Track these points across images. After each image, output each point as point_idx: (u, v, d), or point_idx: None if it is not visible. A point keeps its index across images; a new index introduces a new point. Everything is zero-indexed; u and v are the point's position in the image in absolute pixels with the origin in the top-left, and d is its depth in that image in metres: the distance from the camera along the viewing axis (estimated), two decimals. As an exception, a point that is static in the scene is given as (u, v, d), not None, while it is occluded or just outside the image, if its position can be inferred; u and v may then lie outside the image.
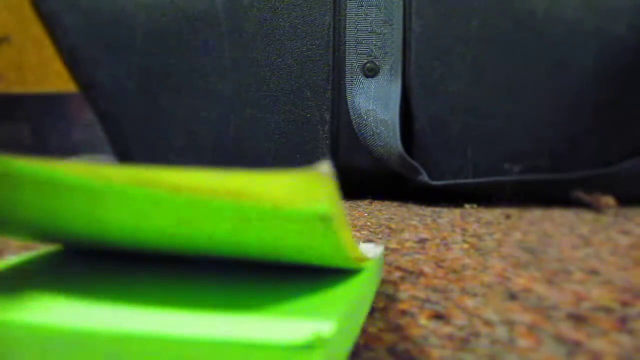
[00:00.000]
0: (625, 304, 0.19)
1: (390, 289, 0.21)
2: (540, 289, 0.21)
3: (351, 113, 0.44)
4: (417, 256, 0.26)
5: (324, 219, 0.10)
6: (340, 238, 0.11)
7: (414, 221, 0.35)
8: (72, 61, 0.48)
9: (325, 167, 0.10)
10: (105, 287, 0.13)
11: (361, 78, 0.44)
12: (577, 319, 0.18)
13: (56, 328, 0.10)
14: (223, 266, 0.15)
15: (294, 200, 0.10)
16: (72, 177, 0.10)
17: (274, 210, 0.10)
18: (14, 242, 0.29)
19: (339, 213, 0.11)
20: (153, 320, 0.11)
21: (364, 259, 0.15)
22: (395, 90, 0.44)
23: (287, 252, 0.13)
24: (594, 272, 0.23)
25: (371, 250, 0.18)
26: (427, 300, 0.19)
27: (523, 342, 0.16)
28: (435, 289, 0.21)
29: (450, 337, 0.16)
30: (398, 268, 0.24)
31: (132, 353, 0.10)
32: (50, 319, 0.11)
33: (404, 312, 0.18)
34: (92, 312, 0.11)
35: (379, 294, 0.20)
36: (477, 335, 0.16)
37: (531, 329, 0.17)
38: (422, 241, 0.29)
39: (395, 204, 0.44)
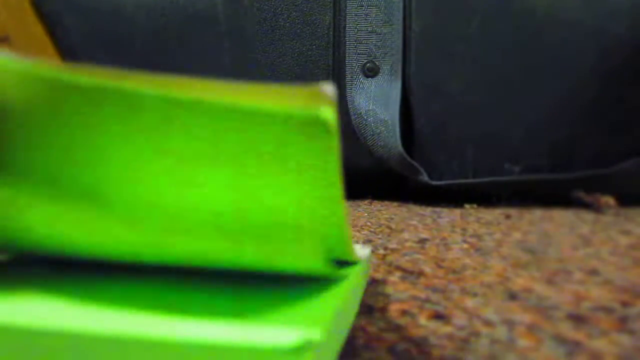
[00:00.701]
0: (625, 304, 0.19)
1: (390, 289, 0.21)
2: (540, 289, 0.21)
3: (351, 113, 0.44)
4: (417, 256, 0.26)
5: (325, 123, 0.10)
6: (337, 161, 0.11)
7: (414, 221, 0.35)
8: (72, 61, 0.48)
9: (328, 87, 0.10)
10: (93, 290, 0.13)
11: (361, 78, 0.44)
12: (577, 319, 0.18)
13: (43, 331, 0.10)
14: (212, 273, 0.15)
15: (295, 104, 0.10)
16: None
17: (274, 110, 0.10)
18: None
19: (337, 130, 0.11)
20: (142, 323, 0.11)
21: (356, 257, 0.15)
22: (395, 90, 0.44)
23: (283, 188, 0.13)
24: (594, 272, 0.23)
25: (359, 252, 0.18)
26: (427, 300, 0.19)
27: (523, 342, 0.16)
28: (435, 289, 0.21)
29: (450, 337, 0.16)
30: (398, 268, 0.24)
31: (121, 357, 0.10)
32: (39, 321, 0.11)
33: (404, 312, 0.18)
34: (83, 315, 0.11)
35: (379, 294, 0.20)
36: (477, 335, 0.16)
37: (531, 329, 0.17)
38: (422, 241, 0.29)
39: (395, 204, 0.44)
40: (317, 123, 0.11)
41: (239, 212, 0.12)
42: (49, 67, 0.11)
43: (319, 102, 0.10)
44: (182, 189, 0.12)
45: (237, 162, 0.12)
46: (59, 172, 0.12)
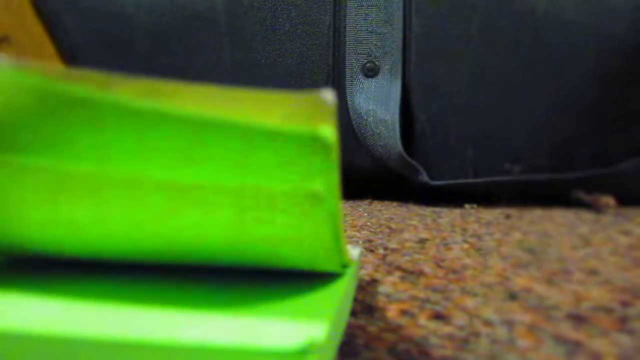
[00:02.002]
0: (625, 304, 0.19)
1: (390, 289, 0.21)
2: (540, 289, 0.21)
3: (351, 113, 0.44)
4: (417, 256, 0.26)
5: (323, 140, 0.10)
6: (336, 171, 0.11)
7: (414, 221, 0.35)
8: (72, 61, 0.48)
9: (328, 94, 0.10)
10: (93, 292, 0.13)
11: (361, 78, 0.44)
12: (577, 319, 0.18)
13: (40, 335, 0.10)
14: (212, 271, 0.15)
15: (293, 121, 0.10)
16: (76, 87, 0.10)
17: (272, 127, 0.10)
18: None
19: (337, 144, 0.11)
20: (143, 326, 0.11)
21: (349, 259, 0.15)
22: (395, 90, 0.44)
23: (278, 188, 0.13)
24: (594, 272, 0.23)
25: (350, 252, 0.18)
26: (427, 300, 0.19)
27: (523, 342, 0.16)
28: (435, 289, 0.21)
29: (450, 337, 0.16)
30: (398, 268, 0.24)
31: (121, 359, 0.10)
32: (36, 325, 0.11)
33: (404, 312, 0.18)
34: (83, 318, 0.11)
35: (379, 294, 0.20)
36: (477, 335, 0.16)
37: (531, 329, 0.17)
38: (422, 241, 0.29)
39: (395, 204, 0.44)
40: (316, 141, 0.11)
41: (236, 224, 0.12)
42: (44, 74, 0.10)
43: (319, 117, 0.10)
44: (180, 201, 0.12)
45: (234, 173, 0.12)
46: (54, 173, 0.12)
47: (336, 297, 0.13)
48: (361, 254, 0.20)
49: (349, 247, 0.19)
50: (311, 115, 0.11)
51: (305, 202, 0.11)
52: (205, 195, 0.11)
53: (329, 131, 0.11)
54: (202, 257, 0.13)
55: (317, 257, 0.13)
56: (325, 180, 0.11)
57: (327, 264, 0.14)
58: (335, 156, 0.11)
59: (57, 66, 0.10)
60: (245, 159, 0.11)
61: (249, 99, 0.11)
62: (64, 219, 0.12)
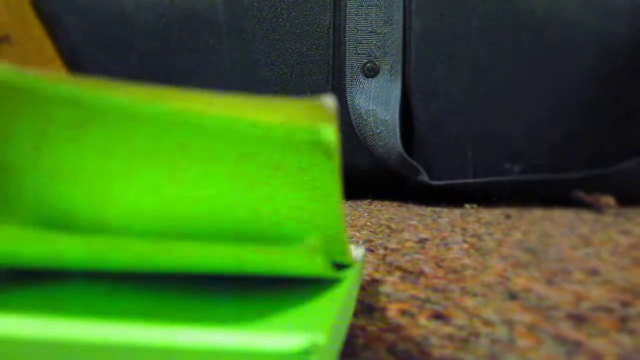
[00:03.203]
0: (625, 304, 0.19)
1: (390, 289, 0.21)
2: (540, 289, 0.21)
3: (351, 113, 0.44)
4: (417, 256, 0.26)
5: (325, 139, 0.11)
6: (338, 177, 0.11)
7: (414, 221, 0.35)
8: (72, 61, 0.48)
9: (329, 101, 0.10)
10: (93, 297, 0.13)
11: (361, 78, 0.44)
12: (577, 319, 0.18)
13: (42, 341, 0.10)
14: (213, 279, 0.15)
15: (295, 122, 0.10)
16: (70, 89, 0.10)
17: (275, 131, 0.10)
18: None
19: (338, 147, 0.11)
20: (145, 330, 0.10)
21: (352, 259, 0.15)
22: (395, 90, 0.44)
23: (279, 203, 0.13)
24: (594, 272, 0.23)
25: (353, 253, 0.18)
26: (427, 300, 0.19)
27: (523, 342, 0.16)
28: (435, 289, 0.21)
29: (450, 337, 0.16)
30: (398, 268, 0.24)
31: None
32: (37, 331, 0.10)
33: (404, 312, 0.18)
34: (83, 322, 0.11)
35: (379, 294, 0.20)
36: (477, 335, 0.16)
37: (531, 329, 0.17)
38: (422, 241, 0.29)
39: (395, 204, 0.44)
40: (318, 143, 0.11)
41: (238, 223, 0.12)
42: (36, 78, 0.10)
43: (321, 119, 0.10)
44: (183, 200, 0.12)
45: (236, 174, 0.12)
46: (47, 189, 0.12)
47: (339, 298, 0.13)
48: (364, 255, 0.20)
49: (352, 247, 0.19)
50: (313, 118, 0.11)
51: (308, 198, 0.11)
52: (204, 188, 0.11)
53: (331, 131, 0.11)
54: (200, 265, 0.13)
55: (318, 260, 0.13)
56: (327, 179, 0.11)
57: (326, 270, 0.14)
58: (337, 156, 0.11)
59: (49, 71, 0.10)
60: (245, 161, 0.11)
61: (249, 104, 0.11)
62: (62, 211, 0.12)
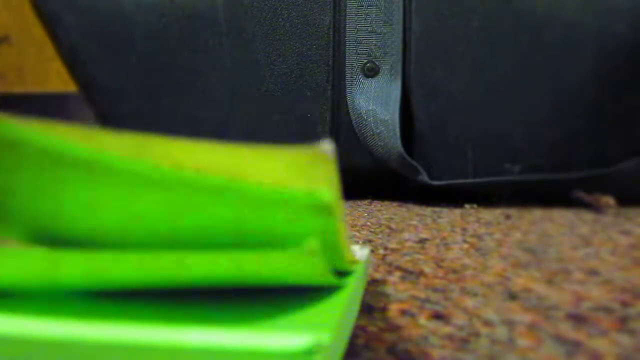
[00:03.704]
0: (625, 304, 0.19)
1: (390, 289, 0.21)
2: (540, 289, 0.21)
3: (351, 113, 0.44)
4: (417, 256, 0.26)
5: (323, 207, 0.11)
6: (340, 230, 0.11)
7: (414, 221, 0.35)
8: (72, 61, 0.48)
9: (327, 147, 0.10)
10: (95, 297, 0.13)
11: (361, 78, 0.44)
12: (577, 319, 0.18)
13: (44, 340, 0.10)
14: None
15: (293, 184, 0.10)
16: (70, 145, 0.10)
17: (271, 193, 0.10)
18: None
19: (338, 202, 0.11)
20: (150, 330, 0.10)
21: (355, 261, 0.15)
22: (395, 90, 0.44)
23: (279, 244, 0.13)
24: (594, 272, 0.23)
25: (358, 253, 0.18)
26: (427, 300, 0.19)
27: (523, 342, 0.16)
28: (435, 289, 0.21)
29: (450, 337, 0.16)
30: (398, 268, 0.24)
31: None
32: (39, 330, 0.10)
33: (404, 312, 0.18)
34: (87, 322, 0.11)
35: (379, 294, 0.20)
36: (477, 335, 0.16)
37: (531, 329, 0.17)
38: (422, 241, 0.29)
39: (395, 204, 0.44)
40: (318, 207, 0.11)
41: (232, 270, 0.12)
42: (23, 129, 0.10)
43: (318, 172, 0.10)
44: (178, 219, 0.12)
45: (228, 235, 0.12)
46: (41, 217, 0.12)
47: (343, 298, 0.13)
48: (369, 255, 0.20)
49: (357, 247, 0.19)
50: (310, 175, 0.10)
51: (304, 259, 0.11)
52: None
53: (328, 193, 0.10)
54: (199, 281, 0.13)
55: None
56: (326, 235, 0.11)
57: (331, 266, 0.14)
58: (336, 216, 0.11)
59: (35, 121, 0.10)
60: (241, 223, 0.11)
61: (245, 156, 0.10)
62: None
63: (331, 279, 0.13)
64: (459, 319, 0.17)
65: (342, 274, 0.16)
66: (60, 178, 0.11)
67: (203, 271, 0.11)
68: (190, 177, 0.10)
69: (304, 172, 0.10)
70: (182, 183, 0.10)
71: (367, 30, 0.44)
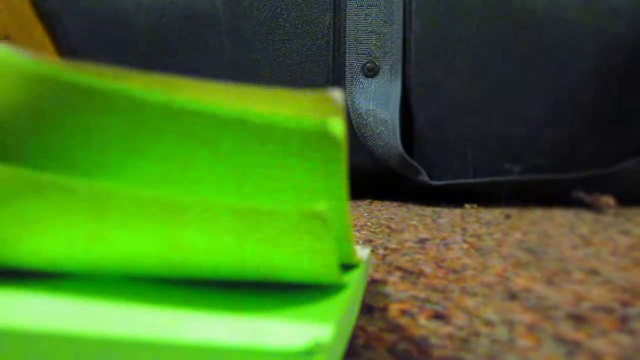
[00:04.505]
0: (625, 304, 0.19)
1: (390, 289, 0.21)
2: (540, 289, 0.21)
3: (351, 113, 0.44)
4: (417, 256, 0.26)
5: (333, 137, 0.11)
6: (344, 169, 0.11)
7: (414, 221, 0.35)
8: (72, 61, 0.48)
9: (337, 94, 0.10)
10: (96, 291, 0.13)
11: (361, 78, 0.44)
12: (577, 319, 0.18)
13: (43, 334, 0.10)
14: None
15: (304, 116, 0.10)
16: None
17: (284, 120, 0.11)
18: None
19: (346, 141, 0.11)
20: (148, 325, 0.10)
21: (358, 259, 0.15)
22: (395, 90, 0.44)
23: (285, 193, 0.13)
24: (594, 272, 0.23)
25: (359, 252, 0.18)
26: (427, 300, 0.19)
27: (523, 342, 0.16)
28: (435, 289, 0.21)
29: (450, 337, 0.16)
30: (398, 268, 0.24)
31: (125, 359, 0.10)
32: (39, 324, 0.10)
33: (404, 312, 0.18)
34: (85, 315, 0.11)
35: (379, 294, 0.20)
36: (477, 335, 0.16)
37: (531, 329, 0.17)
38: (422, 241, 0.29)
39: (395, 204, 0.44)
40: (326, 136, 0.11)
41: (240, 218, 0.12)
42: (52, 65, 0.11)
43: (328, 111, 0.10)
44: (184, 194, 0.12)
45: (241, 168, 0.12)
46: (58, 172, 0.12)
47: (344, 298, 0.13)
48: (370, 255, 0.20)
49: (357, 247, 0.19)
50: (321, 111, 0.11)
51: (315, 193, 0.11)
52: (205, 215, 0.11)
53: (338, 125, 0.11)
54: (201, 274, 0.13)
55: (318, 270, 0.13)
56: (335, 173, 0.11)
57: (328, 276, 0.14)
58: (344, 149, 0.11)
59: (64, 60, 0.11)
60: (252, 154, 0.11)
61: (257, 95, 0.11)
62: (64, 236, 0.12)
63: (334, 271, 0.13)
64: (459, 319, 0.17)
65: (345, 267, 0.16)
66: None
67: (204, 251, 0.12)
68: (204, 106, 0.11)
69: (313, 109, 0.11)
70: (196, 112, 0.11)
71: (367, 30, 0.44)
